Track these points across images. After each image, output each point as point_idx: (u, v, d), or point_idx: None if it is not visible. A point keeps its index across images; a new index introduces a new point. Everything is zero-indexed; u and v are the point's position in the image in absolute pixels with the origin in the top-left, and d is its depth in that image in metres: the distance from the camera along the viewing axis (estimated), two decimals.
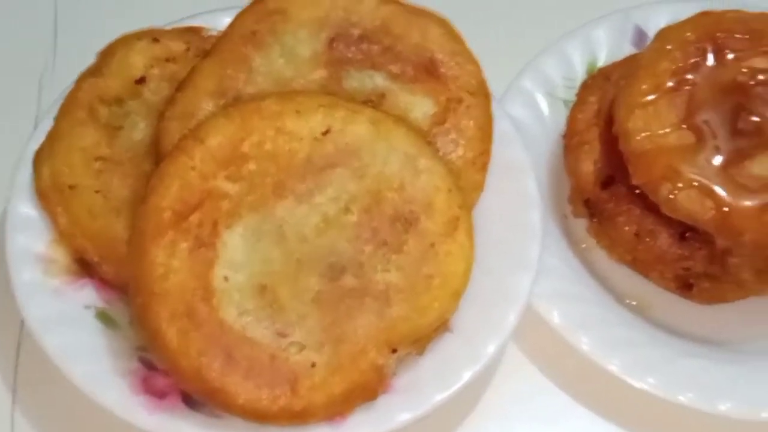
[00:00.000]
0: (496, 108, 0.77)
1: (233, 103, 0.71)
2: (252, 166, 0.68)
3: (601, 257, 0.77)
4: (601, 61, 0.84)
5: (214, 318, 0.65)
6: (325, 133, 0.69)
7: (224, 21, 0.79)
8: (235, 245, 0.66)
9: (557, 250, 0.76)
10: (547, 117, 0.81)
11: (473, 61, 0.77)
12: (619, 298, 0.76)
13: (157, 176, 0.67)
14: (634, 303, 0.76)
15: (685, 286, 0.73)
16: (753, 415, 0.69)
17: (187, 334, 0.64)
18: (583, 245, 0.78)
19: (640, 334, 0.72)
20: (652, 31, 0.84)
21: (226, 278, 0.66)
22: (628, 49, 0.84)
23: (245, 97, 0.73)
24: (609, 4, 0.87)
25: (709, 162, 0.69)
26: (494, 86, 0.79)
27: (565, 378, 0.74)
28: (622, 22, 0.85)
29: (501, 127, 0.76)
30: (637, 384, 0.70)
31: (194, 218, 0.66)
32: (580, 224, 0.78)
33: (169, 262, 0.65)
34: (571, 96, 0.82)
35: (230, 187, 0.67)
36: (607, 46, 0.85)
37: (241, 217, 0.67)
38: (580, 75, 0.83)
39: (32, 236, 0.71)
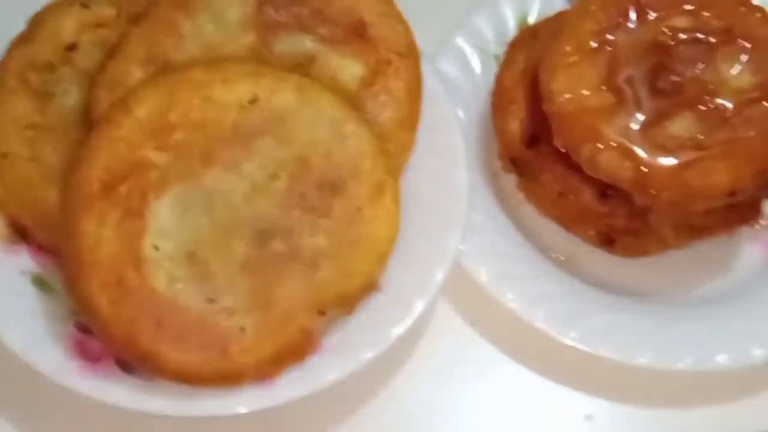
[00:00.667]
0: (426, 67, 0.78)
1: (161, 72, 0.71)
2: (180, 135, 0.69)
3: (530, 212, 0.79)
4: (533, 17, 0.84)
5: (144, 286, 0.66)
6: (252, 101, 0.70)
7: None
8: (164, 214, 0.68)
9: (486, 206, 0.77)
10: (479, 74, 0.82)
11: (402, 22, 0.77)
12: (546, 252, 0.77)
13: (86, 147, 0.68)
14: (561, 257, 0.78)
15: (608, 241, 0.75)
16: (668, 366, 0.71)
17: (118, 303, 0.66)
18: (513, 201, 0.80)
19: (564, 288, 0.75)
20: None
21: (155, 247, 0.67)
22: (560, 4, 0.85)
23: (174, 64, 0.73)
24: None
25: (629, 123, 0.71)
26: (428, 45, 0.79)
27: (494, 332, 0.76)
28: None
29: (431, 86, 0.77)
30: (560, 338, 0.72)
31: (123, 188, 0.67)
32: (510, 180, 0.79)
33: (98, 232, 0.67)
34: (502, 51, 0.82)
35: (158, 157, 0.68)
36: (539, 2, 0.85)
37: (170, 186, 0.68)
38: (512, 31, 0.84)
39: None
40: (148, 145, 0.68)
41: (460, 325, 0.77)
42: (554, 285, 0.74)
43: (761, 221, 0.78)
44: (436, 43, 0.83)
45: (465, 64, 0.82)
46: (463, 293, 0.76)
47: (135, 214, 0.67)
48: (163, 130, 0.69)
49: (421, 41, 0.78)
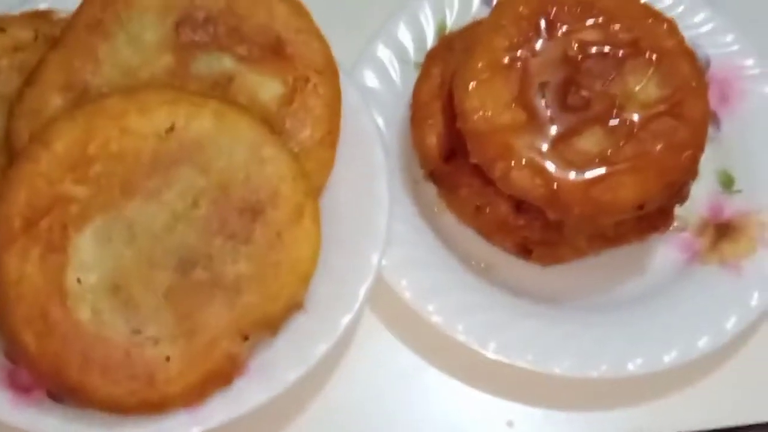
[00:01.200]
0: (345, 80, 0.79)
1: (78, 103, 0.72)
2: (99, 167, 0.70)
3: (451, 220, 0.81)
4: (451, 21, 0.85)
5: (69, 319, 0.68)
6: (170, 130, 0.71)
7: (73, 0, 0.80)
8: (86, 247, 0.69)
9: (407, 216, 0.79)
10: (398, 83, 0.84)
11: (319, 38, 0.79)
12: (466, 260, 0.80)
13: (6, 183, 0.69)
14: (482, 264, 0.80)
15: (525, 251, 0.78)
16: (585, 374, 0.74)
17: (44, 336, 0.67)
18: (434, 208, 0.81)
19: (483, 298, 0.77)
20: None
21: (79, 280, 0.69)
22: (477, 7, 0.86)
23: (93, 90, 0.74)
24: None
25: (541, 139, 0.73)
26: (348, 56, 0.81)
27: (418, 341, 0.79)
28: None
29: (350, 99, 0.79)
30: (480, 349, 0.74)
31: (44, 223, 0.69)
32: (431, 188, 0.81)
33: (22, 267, 0.68)
34: (423, 58, 0.84)
35: (78, 191, 0.70)
36: (457, 5, 0.86)
37: (91, 219, 0.70)
38: (431, 38, 0.85)
39: None
40: (67, 179, 0.69)
41: (384, 334, 0.79)
42: (474, 296, 0.77)
43: (673, 225, 0.79)
44: (355, 52, 0.84)
45: (384, 73, 0.83)
46: (387, 304, 0.78)
47: (57, 248, 0.69)
48: (82, 163, 0.70)
49: (340, 52, 0.79)
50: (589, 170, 0.72)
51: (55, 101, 0.74)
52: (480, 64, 0.74)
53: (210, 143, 0.71)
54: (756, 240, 0.79)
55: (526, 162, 0.72)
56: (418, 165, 0.82)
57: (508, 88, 0.74)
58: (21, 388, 0.71)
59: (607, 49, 0.75)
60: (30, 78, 0.74)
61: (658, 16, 0.76)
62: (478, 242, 0.80)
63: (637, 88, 0.74)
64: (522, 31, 0.75)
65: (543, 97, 0.74)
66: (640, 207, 0.72)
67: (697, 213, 0.83)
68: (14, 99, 0.74)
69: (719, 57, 0.85)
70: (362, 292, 0.74)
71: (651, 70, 0.75)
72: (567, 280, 0.80)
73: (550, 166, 0.72)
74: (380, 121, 0.82)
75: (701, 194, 0.83)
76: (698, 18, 0.86)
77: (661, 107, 0.74)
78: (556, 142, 0.73)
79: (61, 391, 0.68)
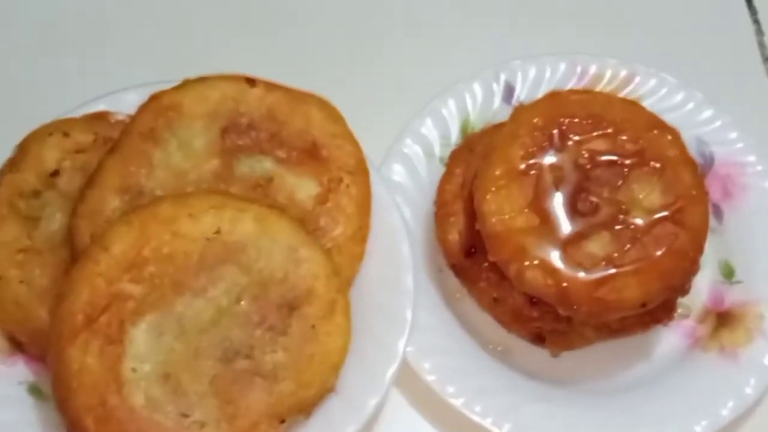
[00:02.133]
0: (375, 176, 0.87)
1: (133, 206, 0.80)
2: (152, 268, 0.78)
3: (472, 307, 0.88)
4: (474, 117, 0.93)
5: (125, 405, 0.76)
6: (216, 233, 0.79)
7: (129, 99, 0.88)
8: (140, 340, 0.77)
9: (431, 304, 0.86)
10: (425, 176, 0.91)
11: (352, 142, 0.86)
12: (484, 344, 0.87)
13: (69, 282, 0.77)
14: (499, 348, 0.87)
15: (538, 338, 0.85)
16: None
17: (103, 422, 0.75)
18: (457, 295, 0.89)
19: (500, 381, 0.84)
20: (520, 86, 0.94)
21: (134, 369, 0.77)
22: (498, 105, 0.93)
23: (147, 192, 0.82)
24: (479, 61, 0.95)
25: (552, 242, 0.80)
26: (377, 151, 0.88)
27: (440, 419, 0.86)
28: (492, 78, 0.94)
29: (378, 194, 0.86)
30: (496, 430, 0.82)
31: (103, 319, 0.77)
32: (454, 276, 0.88)
33: (83, 359, 0.76)
34: (447, 153, 0.91)
35: (134, 289, 0.77)
36: (480, 103, 0.93)
37: (145, 314, 0.77)
38: (455, 132, 0.92)
39: None
40: (124, 278, 0.77)
41: (409, 413, 0.86)
42: (492, 378, 0.84)
43: (677, 312, 0.86)
44: (384, 147, 0.91)
45: (411, 168, 0.91)
46: (411, 386, 0.85)
47: (114, 341, 0.76)
48: (137, 264, 0.77)
49: (370, 147, 0.86)
50: (596, 272, 0.79)
51: (113, 202, 0.81)
52: (497, 172, 0.81)
53: (251, 245, 0.79)
54: (753, 330, 0.86)
55: (538, 263, 0.79)
56: (442, 254, 0.89)
57: (522, 194, 0.81)
58: None
59: (614, 158, 0.82)
60: (90, 180, 0.82)
61: (662, 127, 0.83)
62: (497, 328, 0.87)
63: (642, 195, 0.81)
64: (536, 141, 0.82)
65: (554, 202, 0.80)
66: (643, 305, 0.79)
67: (700, 301, 0.89)
68: (77, 199, 0.82)
69: (723, 153, 0.92)
70: (389, 376, 0.81)
71: (655, 179, 0.81)
72: (577, 365, 0.86)
73: (561, 267, 0.79)
74: (407, 213, 0.89)
75: (704, 283, 0.89)
76: (704, 116, 0.93)
77: (664, 213, 0.80)
78: (566, 245, 0.80)
79: None
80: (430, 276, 0.88)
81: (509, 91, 0.94)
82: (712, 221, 0.87)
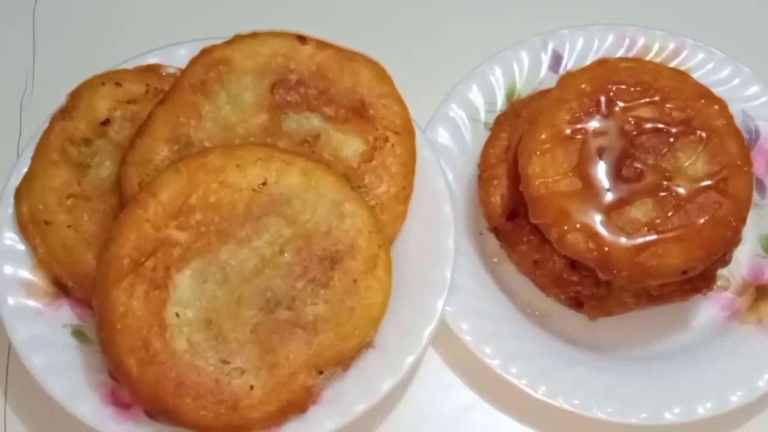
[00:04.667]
0: (420, 139, 0.87)
1: (182, 156, 0.81)
2: (198, 216, 0.79)
3: (511, 270, 0.89)
4: (520, 85, 0.93)
5: (167, 349, 0.77)
6: (262, 184, 0.80)
7: (180, 53, 0.89)
8: (184, 286, 0.78)
9: (470, 267, 0.87)
10: (469, 141, 0.91)
11: (400, 102, 0.87)
12: (522, 308, 0.87)
13: (117, 226, 0.78)
14: (537, 313, 0.88)
15: (577, 303, 0.85)
16: (625, 421, 0.81)
17: (145, 364, 0.77)
18: (495, 258, 0.89)
19: (536, 345, 0.85)
20: (567, 55, 0.94)
21: (177, 315, 0.78)
22: (544, 74, 0.94)
23: (195, 143, 0.83)
24: (528, 29, 0.95)
25: (594, 207, 0.80)
26: (424, 114, 0.89)
27: (475, 379, 0.87)
28: (539, 47, 0.94)
29: (423, 156, 0.87)
30: (531, 392, 0.82)
31: (149, 264, 0.78)
32: (494, 240, 0.89)
33: (128, 302, 0.77)
34: (492, 119, 0.92)
35: (180, 236, 0.79)
36: (526, 71, 0.94)
37: (190, 261, 0.79)
38: (500, 99, 0.93)
39: (16, 263, 0.84)
40: (171, 225, 0.79)
41: (445, 373, 0.87)
42: (528, 342, 0.85)
43: (717, 284, 0.86)
44: (430, 111, 0.92)
45: (456, 132, 0.91)
46: (448, 346, 0.86)
47: (159, 286, 0.78)
48: (184, 211, 0.79)
49: (417, 110, 0.87)
50: (637, 237, 0.79)
51: (162, 152, 0.83)
52: (543, 135, 0.82)
53: (297, 198, 0.80)
54: None
55: (580, 226, 0.80)
56: (482, 218, 0.90)
57: (567, 158, 0.82)
58: (122, 405, 0.80)
59: (660, 125, 0.82)
60: (140, 130, 0.83)
61: (709, 97, 0.83)
62: (535, 292, 0.88)
63: (687, 163, 0.81)
64: (583, 106, 0.83)
65: (599, 167, 0.81)
66: (684, 273, 0.80)
67: (740, 274, 0.89)
68: (126, 147, 0.83)
69: None
70: (426, 334, 0.82)
71: (700, 148, 0.82)
72: (614, 331, 0.87)
73: (603, 231, 0.80)
74: (450, 176, 0.89)
75: (744, 256, 0.90)
76: (751, 91, 0.93)
77: (708, 182, 0.80)
78: (609, 210, 0.80)
79: (157, 411, 0.77)
80: (470, 239, 0.89)
81: (556, 60, 0.94)
82: (755, 195, 0.87)
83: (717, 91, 0.86)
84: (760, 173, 0.90)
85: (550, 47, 0.94)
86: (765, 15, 1.04)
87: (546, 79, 0.93)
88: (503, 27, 1.00)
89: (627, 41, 0.95)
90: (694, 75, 0.89)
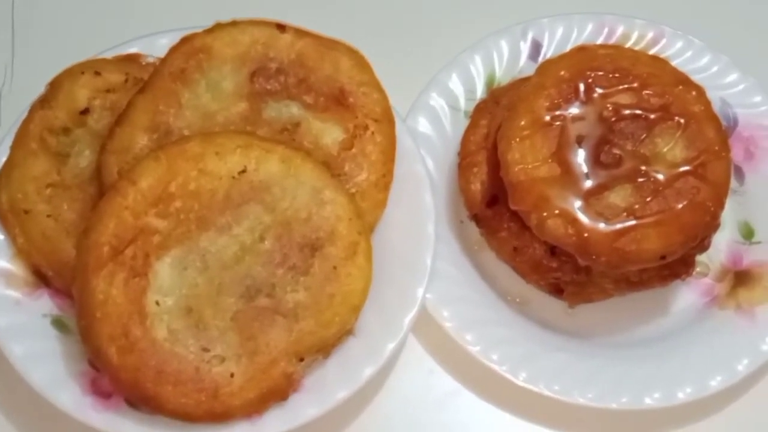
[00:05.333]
0: (400, 126, 0.87)
1: (161, 145, 0.81)
2: (178, 203, 0.79)
3: (491, 258, 0.89)
4: (500, 73, 0.93)
5: (147, 337, 0.77)
6: (242, 172, 0.80)
7: (160, 43, 0.89)
8: (164, 274, 0.78)
9: (451, 254, 0.87)
10: (449, 129, 0.92)
11: (379, 90, 0.87)
12: (503, 295, 0.88)
13: (96, 214, 0.78)
14: (517, 300, 0.88)
15: (557, 290, 0.85)
16: (605, 406, 0.82)
17: (125, 352, 0.77)
18: (476, 246, 0.89)
19: (517, 331, 0.85)
20: (547, 44, 0.94)
21: (157, 303, 0.78)
22: (524, 62, 0.94)
23: (175, 132, 0.83)
24: (508, 18, 0.96)
25: (573, 192, 0.80)
26: (404, 102, 0.89)
27: (455, 366, 0.87)
28: (519, 35, 0.95)
29: (403, 143, 0.87)
30: (512, 378, 0.83)
31: (129, 251, 0.78)
32: (474, 228, 0.89)
33: (108, 290, 0.77)
34: (472, 108, 0.92)
35: (159, 223, 0.79)
36: (506, 59, 0.94)
37: (170, 249, 0.79)
38: (480, 87, 0.93)
39: None
40: (150, 212, 0.78)
41: (426, 360, 0.87)
42: (509, 328, 0.85)
43: (696, 270, 0.87)
44: (410, 99, 0.92)
45: (436, 120, 0.91)
46: (429, 333, 0.86)
47: (139, 273, 0.78)
48: (164, 199, 0.79)
49: (397, 99, 0.87)
50: (616, 222, 0.80)
51: (142, 140, 0.83)
52: (522, 122, 0.82)
53: (277, 185, 0.80)
54: None
55: (559, 212, 0.80)
56: (463, 206, 0.90)
57: (546, 144, 0.82)
58: (102, 394, 0.80)
59: (639, 112, 0.82)
60: (120, 118, 0.83)
61: (688, 83, 0.84)
62: (515, 279, 0.88)
63: (665, 149, 0.82)
64: (562, 93, 0.83)
65: (578, 153, 0.81)
66: (663, 258, 0.80)
67: (719, 260, 0.90)
68: (106, 136, 0.83)
69: (746, 116, 0.92)
70: (407, 321, 0.82)
71: (679, 133, 0.82)
72: (594, 318, 0.87)
73: (582, 217, 0.80)
74: (430, 164, 0.89)
75: (723, 243, 0.90)
76: (729, 79, 0.93)
77: (686, 168, 0.81)
78: (588, 196, 0.80)
79: (137, 399, 0.77)
80: (451, 227, 0.89)
81: (536, 48, 0.95)
82: (734, 182, 0.87)
83: (696, 78, 0.87)
84: (738, 160, 0.90)
85: (529, 36, 0.95)
86: (743, 4, 1.04)
87: (526, 67, 0.93)
88: (483, 16, 1.00)
89: (606, 30, 0.95)
90: (674, 63, 0.89)
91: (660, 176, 0.80)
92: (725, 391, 0.83)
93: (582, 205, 0.80)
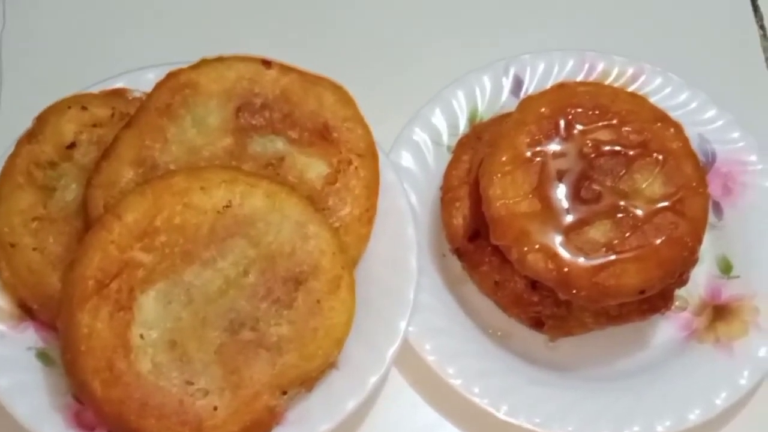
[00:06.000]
0: (384, 160, 0.89)
1: (147, 179, 0.82)
2: (163, 237, 0.80)
3: (473, 291, 0.90)
4: (482, 108, 0.95)
5: (131, 370, 0.78)
6: (227, 206, 0.81)
7: (147, 77, 0.90)
8: (149, 307, 0.79)
9: (433, 287, 0.88)
10: (432, 163, 0.93)
11: (363, 125, 0.88)
12: (484, 328, 0.88)
13: (82, 248, 0.79)
14: (498, 333, 0.89)
15: (537, 323, 0.86)
16: None
17: (109, 385, 0.77)
18: (458, 280, 0.90)
19: (498, 364, 0.86)
20: (528, 80, 0.96)
21: (141, 336, 0.78)
22: (506, 98, 0.95)
23: (161, 166, 0.84)
24: (490, 54, 0.97)
25: (554, 227, 0.82)
26: (387, 137, 0.90)
27: (437, 399, 0.88)
28: (501, 71, 0.96)
29: (386, 178, 0.88)
30: (493, 411, 0.83)
31: (114, 285, 0.78)
32: (456, 262, 0.90)
33: (92, 323, 0.78)
34: (455, 142, 0.93)
35: (144, 257, 0.79)
36: (488, 95, 0.96)
37: (155, 282, 0.79)
38: (462, 123, 0.95)
39: None
40: (135, 246, 0.79)
41: (408, 393, 0.88)
42: (490, 361, 0.86)
43: (675, 305, 0.88)
44: (393, 134, 0.93)
45: (419, 155, 0.93)
46: (411, 366, 0.87)
47: (124, 307, 0.78)
48: (149, 233, 0.79)
49: (380, 133, 0.89)
50: (596, 257, 0.81)
51: (128, 174, 0.83)
52: (504, 158, 0.84)
53: (261, 219, 0.81)
54: (749, 323, 0.87)
55: (540, 247, 0.81)
56: (445, 240, 0.91)
57: (527, 180, 0.83)
58: (86, 427, 0.80)
59: (618, 148, 0.84)
60: (106, 152, 0.84)
61: (666, 120, 0.85)
62: (497, 313, 0.89)
63: (644, 185, 0.83)
64: (543, 129, 0.84)
65: (558, 189, 0.82)
66: (642, 292, 0.81)
67: (698, 294, 0.91)
68: (92, 170, 0.84)
69: (724, 152, 0.94)
70: (389, 354, 0.83)
71: (657, 169, 0.83)
72: (574, 351, 0.88)
73: (562, 252, 0.81)
74: (413, 198, 0.91)
75: (702, 277, 0.91)
76: (708, 115, 0.95)
77: (665, 203, 0.82)
78: (568, 231, 0.82)
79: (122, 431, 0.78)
80: (433, 261, 0.90)
81: (518, 84, 0.96)
82: (712, 217, 0.89)
83: (675, 114, 0.88)
84: (716, 195, 0.91)
85: (511, 72, 0.96)
86: (721, 42, 1.06)
87: (507, 103, 0.95)
88: (466, 52, 1.02)
89: (587, 66, 0.96)
90: (653, 99, 0.90)
91: (639, 212, 0.82)
92: (704, 424, 0.84)
93: (562, 240, 0.81)
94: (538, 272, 0.81)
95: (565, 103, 0.85)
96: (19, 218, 0.84)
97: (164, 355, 0.78)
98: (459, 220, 0.87)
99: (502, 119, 0.90)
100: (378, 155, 0.87)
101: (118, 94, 0.90)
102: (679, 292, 0.88)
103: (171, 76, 0.86)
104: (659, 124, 0.85)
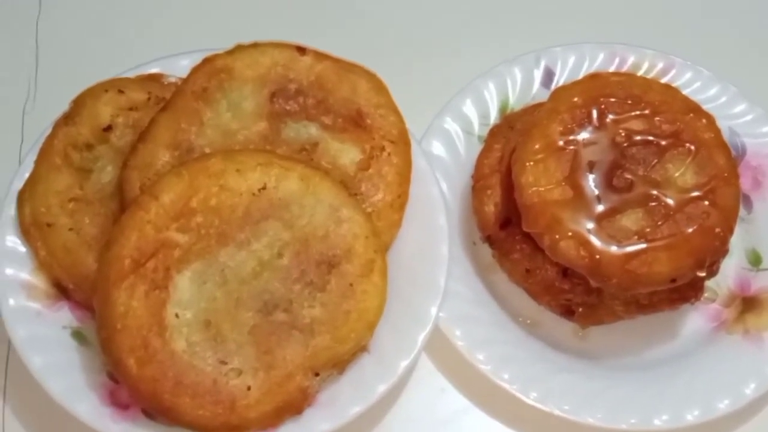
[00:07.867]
0: (416, 149, 0.89)
1: (183, 161, 0.83)
2: (199, 218, 0.81)
3: (503, 279, 0.90)
4: (513, 100, 0.95)
5: (166, 349, 0.79)
6: (262, 189, 0.82)
7: (182, 64, 0.91)
8: (184, 287, 0.80)
9: (464, 274, 0.89)
10: (463, 152, 0.93)
11: (396, 112, 0.89)
12: (514, 316, 0.89)
13: (118, 228, 0.80)
14: (528, 321, 0.89)
15: (568, 311, 0.87)
16: (614, 427, 0.83)
17: (144, 363, 0.78)
18: (488, 268, 0.91)
19: (528, 352, 0.86)
20: (559, 72, 0.96)
21: (176, 315, 0.79)
22: (537, 89, 0.96)
23: (196, 149, 0.85)
24: (522, 47, 0.98)
25: (586, 215, 0.82)
26: (419, 126, 0.91)
27: (466, 384, 0.88)
28: (532, 63, 0.97)
29: (418, 165, 0.89)
30: (522, 397, 0.84)
31: (150, 265, 0.79)
32: (487, 249, 0.91)
33: (128, 302, 0.79)
34: (485, 132, 0.94)
35: (180, 238, 0.80)
36: (519, 86, 0.96)
37: (190, 262, 0.80)
38: (493, 113, 0.95)
39: (17, 266, 0.85)
40: (171, 227, 0.80)
41: (438, 378, 0.89)
42: (520, 349, 0.86)
43: (704, 296, 0.88)
44: (425, 123, 0.94)
45: (451, 144, 0.93)
46: (441, 351, 0.88)
47: (159, 286, 0.79)
48: (185, 214, 0.80)
49: (412, 123, 0.89)
50: (628, 245, 0.81)
51: (164, 157, 0.84)
52: (536, 146, 0.84)
53: (295, 202, 0.82)
54: None
55: (572, 234, 0.81)
56: (476, 228, 0.91)
57: (559, 168, 0.84)
58: (120, 405, 0.81)
59: (650, 138, 0.84)
60: (142, 135, 0.85)
61: (698, 111, 0.85)
62: (527, 301, 0.89)
63: (676, 174, 0.83)
64: (575, 118, 0.85)
65: (590, 177, 0.83)
66: (673, 281, 0.81)
67: (727, 286, 0.91)
68: (128, 153, 0.85)
69: (754, 145, 0.94)
70: (420, 339, 0.84)
71: (689, 159, 0.84)
72: (604, 340, 0.89)
73: (594, 240, 0.81)
74: (444, 187, 0.91)
75: (731, 269, 0.92)
76: (738, 109, 0.96)
77: (697, 193, 0.82)
78: (601, 219, 0.82)
79: (155, 410, 0.79)
80: (464, 249, 0.91)
81: (549, 76, 0.97)
82: (742, 210, 0.89)
83: (705, 108, 0.88)
84: (746, 188, 0.92)
85: (542, 64, 0.96)
86: (752, 36, 1.06)
87: (538, 94, 0.95)
88: (498, 44, 1.02)
89: (617, 59, 0.97)
90: (683, 92, 0.91)
91: (670, 201, 0.82)
92: (733, 414, 0.84)
93: (594, 227, 0.81)
94: (570, 259, 0.81)
95: (598, 93, 0.85)
96: (56, 199, 0.85)
97: (199, 334, 0.79)
98: (490, 208, 0.88)
99: (534, 109, 0.90)
100: (410, 142, 0.88)
101: (154, 78, 0.91)
102: (709, 284, 0.88)
103: (207, 61, 0.87)
104: (691, 115, 0.85)
